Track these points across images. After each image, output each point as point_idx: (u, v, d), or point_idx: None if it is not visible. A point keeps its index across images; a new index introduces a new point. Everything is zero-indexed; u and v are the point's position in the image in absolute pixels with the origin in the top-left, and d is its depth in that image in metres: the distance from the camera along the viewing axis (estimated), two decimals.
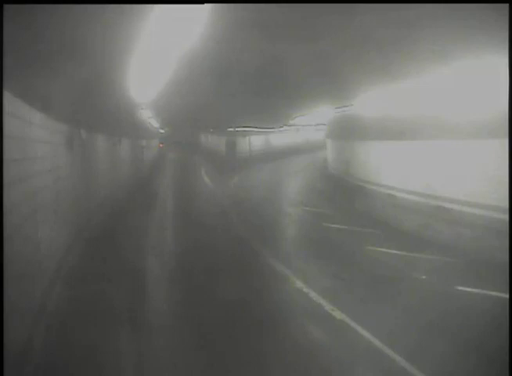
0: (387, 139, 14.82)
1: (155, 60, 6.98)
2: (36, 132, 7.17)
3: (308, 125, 34.30)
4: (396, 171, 14.28)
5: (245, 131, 36.17)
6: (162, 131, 40.21)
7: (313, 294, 8.04)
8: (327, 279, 9.02)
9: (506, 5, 4.22)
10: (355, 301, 7.72)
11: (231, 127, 34.98)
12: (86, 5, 4.01)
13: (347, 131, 19.52)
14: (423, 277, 8.81)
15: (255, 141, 39.96)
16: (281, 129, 38.11)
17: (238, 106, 18.12)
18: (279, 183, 26.49)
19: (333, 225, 14.11)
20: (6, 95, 4.92)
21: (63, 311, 7.27)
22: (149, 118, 19.48)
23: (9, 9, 3.68)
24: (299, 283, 8.63)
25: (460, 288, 8.13)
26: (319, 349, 6.17)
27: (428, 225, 11.67)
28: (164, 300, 8.24)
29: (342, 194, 18.63)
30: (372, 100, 13.49)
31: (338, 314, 7.12)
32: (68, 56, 5.99)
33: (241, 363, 5.73)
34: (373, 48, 7.26)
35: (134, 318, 7.08)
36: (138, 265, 10.10)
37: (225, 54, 7.80)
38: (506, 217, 8.05)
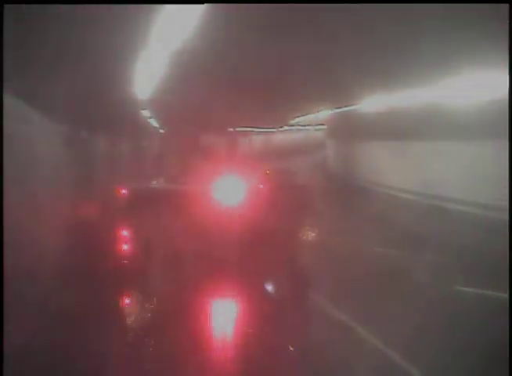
0: (387, 139, 14.82)
1: (155, 60, 6.98)
2: (36, 132, 7.18)
3: (308, 125, 34.26)
4: (396, 171, 14.28)
5: (245, 131, 36.12)
6: (162, 131, 40.11)
7: (313, 295, 8.03)
8: (327, 279, 9.01)
9: (506, 5, 4.22)
10: (355, 302, 7.70)
11: (231, 127, 34.94)
12: (86, 5, 4.01)
13: (348, 131, 19.52)
14: (423, 277, 8.79)
15: (255, 141, 39.89)
16: (281, 129, 38.05)
17: (238, 106, 18.11)
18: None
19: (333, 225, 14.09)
20: (6, 95, 4.92)
21: (62, 312, 7.26)
22: (149, 118, 19.45)
23: (9, 8, 3.68)
24: None
25: (460, 288, 8.12)
26: (317, 349, 6.15)
27: (428, 225, 11.65)
28: (163, 294, 8.23)
29: (342, 194, 18.61)
30: (372, 100, 13.50)
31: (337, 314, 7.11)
32: (68, 55, 5.99)
33: None
34: (373, 48, 7.26)
35: (133, 317, 7.07)
36: (138, 265, 10.11)
37: (225, 54, 7.79)
38: (506, 217, 8.04)
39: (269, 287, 6.94)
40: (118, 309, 6.29)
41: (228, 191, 7.06)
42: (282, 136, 41.37)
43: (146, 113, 15.93)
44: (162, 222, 7.07)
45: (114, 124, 14.51)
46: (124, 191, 8.16)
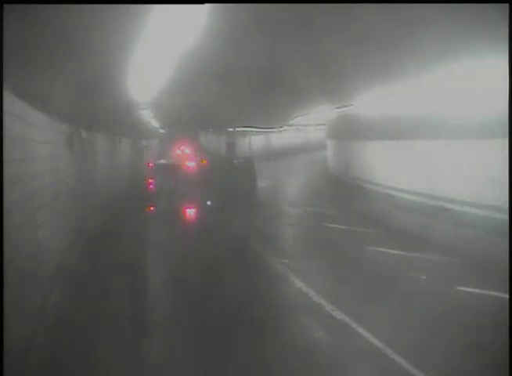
0: (387, 139, 14.82)
1: (155, 60, 6.98)
2: (36, 132, 7.17)
3: (308, 125, 34.29)
4: (396, 171, 14.28)
5: (245, 131, 36.15)
6: (162, 131, 40.12)
7: (312, 294, 8.03)
8: (327, 278, 9.02)
9: (506, 5, 4.22)
10: (356, 302, 7.71)
11: (231, 127, 34.95)
12: (86, 5, 4.01)
13: (347, 131, 19.53)
14: (423, 277, 8.80)
15: (255, 141, 39.91)
16: (281, 129, 38.08)
17: (238, 106, 18.13)
18: (280, 183, 26.48)
19: (333, 226, 14.10)
20: (6, 95, 4.91)
21: (62, 311, 7.27)
22: (149, 118, 19.49)
23: (8, 9, 3.68)
24: (298, 283, 8.63)
25: (460, 288, 8.12)
26: (318, 350, 6.16)
27: (428, 225, 11.67)
28: (162, 295, 8.24)
29: (342, 194, 18.63)
30: (372, 100, 13.49)
31: (338, 314, 7.12)
32: (68, 55, 6.00)
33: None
34: (373, 48, 7.26)
35: (133, 317, 7.08)
36: (138, 264, 10.13)
37: (225, 54, 7.79)
38: (506, 217, 8.04)
39: (208, 202, 14.75)
40: (148, 206, 14.93)
41: (191, 163, 15.38)
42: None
43: (147, 113, 16.16)
44: (165, 173, 15.18)
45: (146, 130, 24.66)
46: (151, 164, 15.97)
